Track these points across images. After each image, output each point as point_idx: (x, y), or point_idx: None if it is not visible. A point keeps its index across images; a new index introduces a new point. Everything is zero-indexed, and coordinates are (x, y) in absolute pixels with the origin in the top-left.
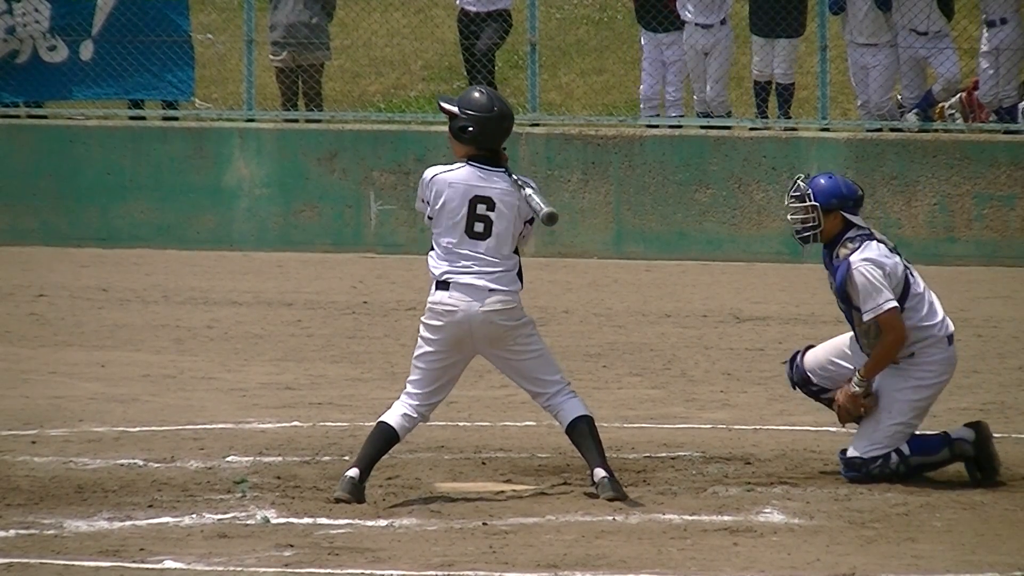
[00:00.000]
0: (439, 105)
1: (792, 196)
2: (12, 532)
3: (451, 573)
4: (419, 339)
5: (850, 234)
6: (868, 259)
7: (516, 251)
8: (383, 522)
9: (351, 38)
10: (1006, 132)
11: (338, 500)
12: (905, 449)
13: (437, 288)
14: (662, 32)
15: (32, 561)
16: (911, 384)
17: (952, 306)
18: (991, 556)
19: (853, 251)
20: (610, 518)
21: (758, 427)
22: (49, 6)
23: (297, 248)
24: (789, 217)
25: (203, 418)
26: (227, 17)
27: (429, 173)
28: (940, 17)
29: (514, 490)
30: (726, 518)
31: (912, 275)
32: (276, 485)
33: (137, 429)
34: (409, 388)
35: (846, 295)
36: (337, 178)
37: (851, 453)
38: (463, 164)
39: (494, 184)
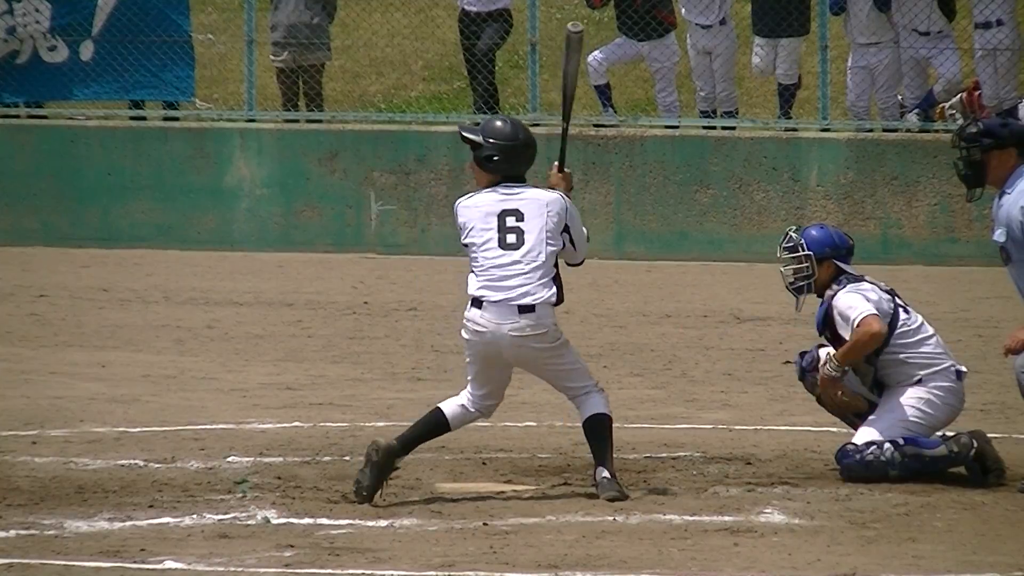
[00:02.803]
0: (461, 136)
1: (784, 248)
2: (12, 532)
3: (452, 573)
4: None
5: (840, 278)
6: (849, 291)
7: (556, 265)
8: (384, 522)
9: (352, 38)
10: None
11: (368, 460)
12: (900, 440)
13: (472, 305)
14: (643, 40)
15: (32, 561)
16: (921, 398)
17: (953, 306)
18: (992, 556)
19: (837, 291)
20: (611, 518)
21: (759, 427)
22: (49, 6)
23: (298, 248)
24: (782, 269)
25: (204, 418)
26: (227, 17)
27: (457, 204)
28: (941, 17)
29: (515, 490)
30: (727, 518)
31: (907, 312)
32: (277, 485)
33: (138, 429)
34: (468, 386)
35: (831, 326)
36: (338, 178)
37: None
38: (489, 190)
39: (520, 196)
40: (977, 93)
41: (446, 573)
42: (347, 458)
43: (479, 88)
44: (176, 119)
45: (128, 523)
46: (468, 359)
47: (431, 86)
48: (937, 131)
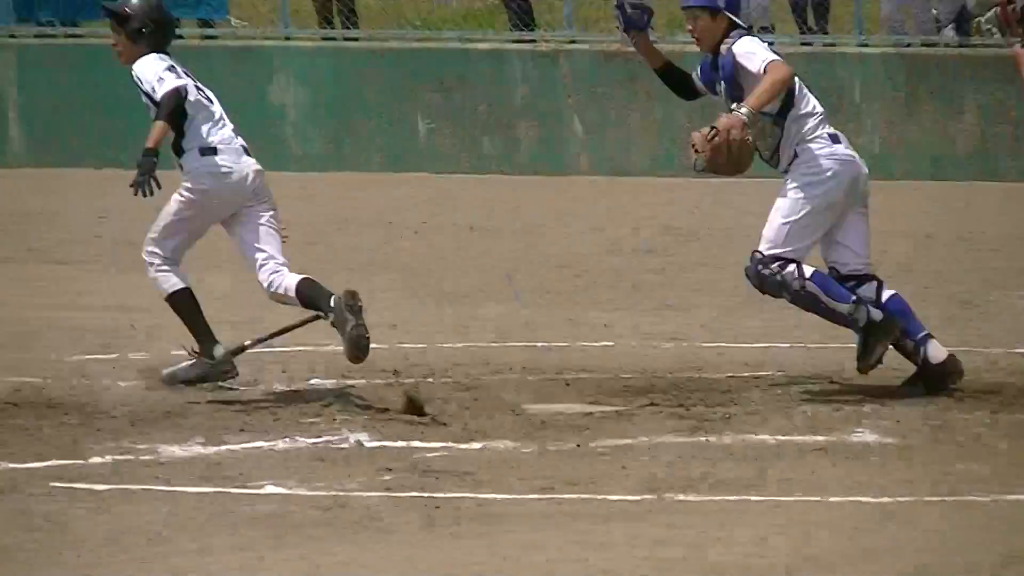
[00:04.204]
0: (107, 11)
1: None
2: (109, 458)
3: (554, 496)
4: None
5: (732, 33)
6: (745, 38)
7: None
8: (477, 444)
9: None
10: None
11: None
12: (807, 271)
13: (201, 155)
14: None
15: (134, 487)
16: (798, 183)
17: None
18: None
19: (734, 41)
20: (704, 439)
21: (841, 346)
22: None
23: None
24: None
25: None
26: None
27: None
28: None
29: (602, 411)
30: (819, 438)
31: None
32: (364, 408)
33: None
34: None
35: (736, 82)
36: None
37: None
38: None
39: None
40: (1012, 7)
41: (548, 496)
42: (430, 380)
43: (513, 5)
44: (214, 37)
45: (223, 447)
46: (187, 216)
47: (464, 3)
48: (975, 46)
